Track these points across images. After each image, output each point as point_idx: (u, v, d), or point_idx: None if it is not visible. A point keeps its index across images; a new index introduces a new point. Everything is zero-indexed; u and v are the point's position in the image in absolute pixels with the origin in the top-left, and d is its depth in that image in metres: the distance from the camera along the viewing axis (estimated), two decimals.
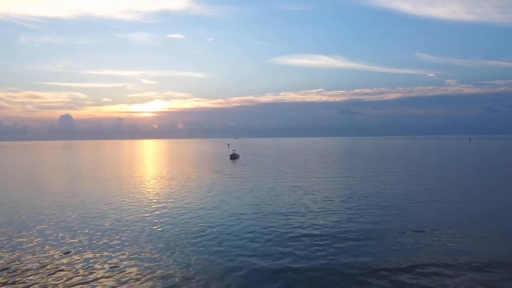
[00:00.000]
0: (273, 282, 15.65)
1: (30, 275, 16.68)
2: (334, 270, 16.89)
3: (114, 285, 15.54)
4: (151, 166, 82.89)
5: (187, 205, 32.94)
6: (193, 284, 15.50)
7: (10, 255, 19.55)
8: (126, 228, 25.13)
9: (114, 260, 18.55)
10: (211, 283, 15.61)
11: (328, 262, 17.91)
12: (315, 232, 23.31)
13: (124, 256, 19.16)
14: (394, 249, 19.67)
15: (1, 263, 18.32)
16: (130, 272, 16.90)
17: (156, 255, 19.27)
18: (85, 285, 15.49)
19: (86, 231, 24.49)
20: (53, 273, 16.86)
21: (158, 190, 42.91)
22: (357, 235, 22.51)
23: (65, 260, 18.63)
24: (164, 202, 34.65)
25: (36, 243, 21.76)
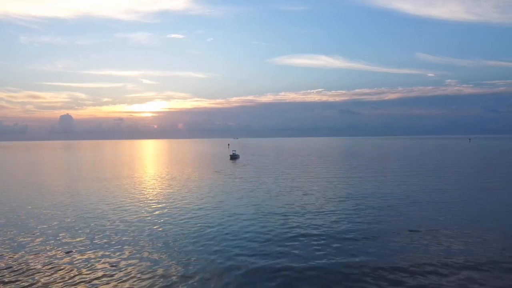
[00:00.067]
0: (272, 282, 15.80)
1: (31, 274, 16.84)
2: (332, 269, 17.04)
3: (115, 284, 15.70)
4: (151, 166, 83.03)
5: (187, 205, 33.09)
6: (193, 284, 15.66)
7: (13, 255, 19.71)
8: (126, 228, 25.29)
9: (115, 260, 18.71)
10: (211, 283, 15.77)
11: (326, 261, 18.06)
12: (314, 232, 23.46)
13: (125, 256, 19.32)
14: (392, 249, 19.83)
15: (4, 263, 18.49)
16: (131, 272, 17.05)
17: (156, 255, 19.42)
18: (86, 284, 15.66)
19: (87, 231, 24.65)
20: (54, 273, 17.03)
21: (158, 191, 43.06)
22: (356, 235, 22.66)
23: (66, 260, 18.79)
24: (164, 202, 34.80)
25: (37, 243, 21.92)
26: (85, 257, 19.22)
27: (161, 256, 19.27)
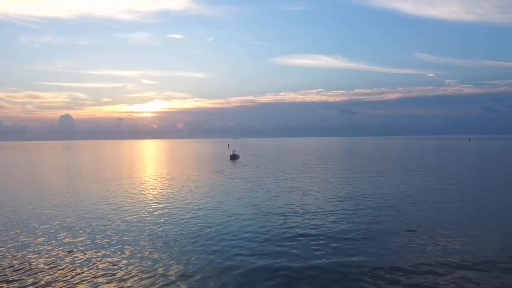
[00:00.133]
0: (271, 281, 15.96)
1: (33, 274, 17.00)
2: (330, 269, 17.19)
3: (116, 283, 15.85)
4: (151, 166, 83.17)
5: (187, 206, 33.24)
6: (193, 283, 15.81)
7: (14, 254, 19.87)
8: (127, 228, 25.43)
9: (115, 259, 18.86)
10: (210, 282, 15.91)
11: (325, 261, 18.21)
12: (313, 232, 23.61)
13: (125, 255, 19.47)
14: (391, 249, 19.97)
15: (5, 262, 18.64)
16: (131, 271, 17.20)
17: (156, 255, 19.58)
18: (87, 284, 15.81)
19: (88, 231, 24.80)
20: (55, 272, 17.19)
21: (158, 191, 43.20)
22: (355, 235, 22.81)
23: (67, 259, 18.94)
24: (164, 203, 34.95)
25: (38, 243, 22.07)
26: (86, 256, 19.37)
27: (161, 255, 19.42)
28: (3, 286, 15.79)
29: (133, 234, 23.84)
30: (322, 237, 22.31)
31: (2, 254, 20.05)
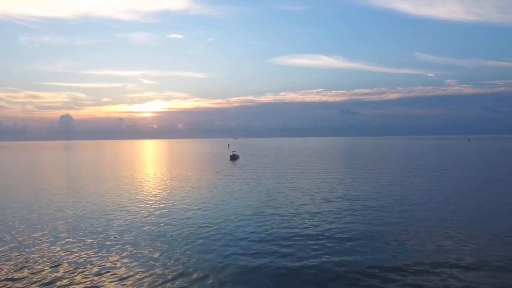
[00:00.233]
0: (270, 280, 16.01)
1: (34, 273, 17.05)
2: (328, 268, 17.25)
3: (116, 282, 15.90)
4: (151, 166, 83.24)
5: (187, 206, 33.29)
6: (192, 283, 15.86)
7: (15, 254, 19.92)
8: (127, 228, 25.48)
9: (115, 259, 18.91)
10: (210, 281, 15.96)
11: (323, 261, 18.25)
12: (311, 232, 23.66)
13: (125, 255, 19.52)
14: (390, 249, 20.03)
15: (6, 261, 18.68)
16: (131, 271, 17.25)
17: (156, 254, 19.62)
18: (87, 283, 15.86)
19: (89, 231, 24.85)
20: (56, 272, 17.24)
21: (158, 191, 43.25)
22: (353, 235, 22.85)
23: (67, 259, 18.98)
24: (164, 203, 35.00)
25: (39, 242, 22.11)
26: (86, 256, 19.42)
27: (162, 255, 19.47)
28: (5, 285, 15.83)
29: (133, 234, 23.88)
30: (320, 237, 22.35)
31: (2, 254, 20.09)
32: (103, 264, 18.26)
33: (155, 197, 38.62)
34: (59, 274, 16.92)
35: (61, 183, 51.93)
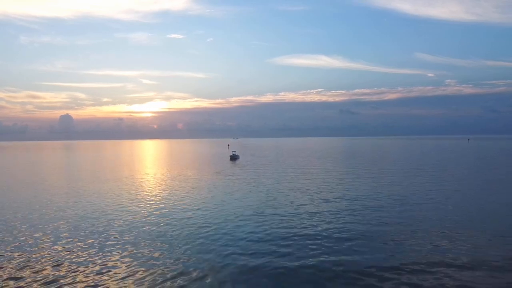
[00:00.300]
0: (269, 279, 16.21)
1: (35, 272, 17.25)
2: (327, 268, 17.44)
3: (116, 282, 16.09)
4: (151, 167, 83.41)
5: (187, 206, 33.48)
6: (192, 282, 16.05)
7: (17, 254, 20.11)
8: (127, 227, 25.67)
9: (116, 258, 19.10)
10: (209, 281, 16.16)
11: (321, 260, 18.45)
12: (310, 232, 23.85)
13: (125, 255, 19.72)
14: (388, 249, 20.22)
15: (7, 261, 18.88)
16: (131, 270, 17.45)
17: (156, 254, 19.82)
18: (87, 282, 16.05)
19: (89, 231, 25.04)
20: (57, 271, 17.43)
21: (158, 191, 43.44)
22: (352, 235, 23.04)
23: (67, 259, 19.17)
24: (164, 203, 35.18)
25: (39, 242, 22.31)
26: (87, 256, 19.61)
27: (162, 255, 19.66)
28: (7, 284, 16.03)
29: (133, 233, 24.08)
30: (319, 237, 22.54)
31: (5, 253, 20.29)
32: (104, 263, 18.45)
33: (155, 197, 38.81)
34: (60, 274, 17.12)
35: (61, 183, 52.11)
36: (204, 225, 26.13)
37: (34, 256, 19.77)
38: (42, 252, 20.45)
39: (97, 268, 17.84)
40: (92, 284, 15.94)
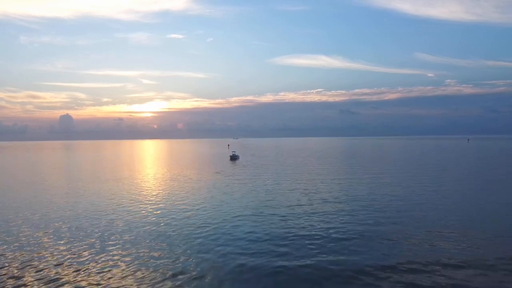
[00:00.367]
0: (268, 278, 16.36)
1: (36, 272, 17.39)
2: (325, 267, 17.60)
3: (116, 281, 16.23)
4: (151, 167, 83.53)
5: (187, 206, 33.60)
6: (192, 281, 16.19)
7: (17, 254, 20.26)
8: (127, 227, 25.81)
9: (116, 258, 19.25)
10: (209, 280, 16.30)
11: (320, 260, 18.59)
12: (309, 232, 23.98)
13: (125, 254, 19.87)
14: (388, 249, 20.37)
15: (8, 261, 19.02)
16: (131, 269, 17.60)
17: (156, 254, 19.96)
18: (87, 281, 16.19)
19: (89, 230, 25.17)
20: (57, 271, 17.58)
21: (158, 191, 43.55)
22: (350, 235, 23.17)
23: (67, 258, 19.32)
24: (164, 203, 35.30)
25: (39, 242, 22.45)
26: (86, 255, 19.76)
27: (161, 254, 19.80)
28: (9, 283, 16.14)
29: (133, 233, 24.20)
30: (317, 237, 22.67)
31: (7, 253, 20.41)
32: (104, 263, 18.58)
33: (155, 197, 38.92)
34: (61, 273, 17.26)
35: (62, 183, 52.23)
36: (203, 225, 26.24)
37: (34, 255, 19.89)
38: (43, 252, 20.57)
39: (97, 267, 17.96)
40: (92, 283, 16.07)
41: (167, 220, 27.97)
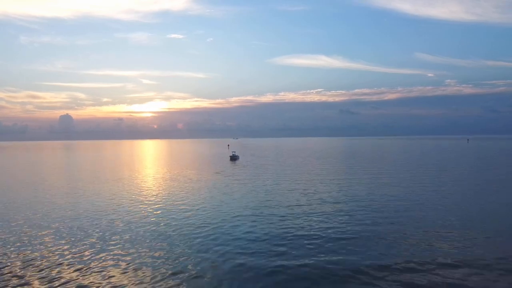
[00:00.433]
0: (267, 277, 16.52)
1: (39, 270, 17.55)
2: (323, 267, 17.76)
3: (116, 280, 16.39)
4: (151, 167, 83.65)
5: (187, 206, 33.73)
6: (191, 281, 16.35)
7: (18, 253, 20.42)
8: (127, 227, 25.96)
9: (115, 258, 19.41)
10: (209, 280, 16.46)
11: (318, 259, 18.75)
12: (308, 232, 24.14)
13: (125, 254, 20.03)
14: (384, 248, 20.52)
15: (9, 260, 19.17)
16: (132, 269, 17.77)
17: (156, 253, 20.13)
18: (87, 281, 16.35)
19: (89, 230, 25.32)
20: (59, 269, 17.74)
21: (159, 191, 43.68)
22: (349, 235, 23.32)
23: (67, 258, 19.49)
24: (164, 203, 35.43)
25: (39, 242, 22.61)
26: (87, 255, 19.93)
27: (161, 254, 19.96)
28: (11, 282, 16.29)
29: (134, 233, 24.35)
30: (316, 237, 22.82)
31: (7, 252, 20.57)
32: (105, 262, 18.74)
33: (155, 197, 39.06)
34: (62, 273, 17.42)
35: (62, 184, 52.35)
36: (203, 224, 26.39)
37: (36, 255, 20.04)
38: (44, 251, 20.72)
39: (98, 267, 18.12)
40: (93, 282, 16.23)
41: (167, 220, 28.11)
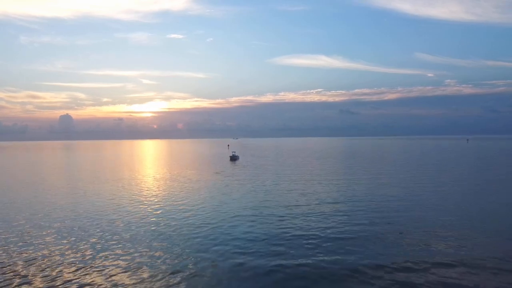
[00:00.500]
0: (266, 277, 16.66)
1: (40, 270, 17.68)
2: (321, 266, 17.90)
3: (117, 279, 16.50)
4: (151, 167, 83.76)
5: (187, 206, 33.86)
6: (191, 280, 16.47)
7: (19, 253, 20.56)
8: (127, 227, 26.09)
9: (115, 257, 19.54)
10: (208, 279, 16.59)
11: (317, 259, 18.88)
12: (307, 232, 24.26)
13: (126, 252, 20.17)
14: (382, 248, 20.66)
15: (10, 260, 19.31)
16: (132, 268, 17.90)
17: (156, 253, 20.26)
18: (87, 280, 16.46)
19: (89, 230, 25.47)
20: (60, 269, 17.87)
21: (159, 192, 43.80)
22: (348, 235, 23.46)
23: (68, 258, 19.62)
24: (165, 203, 35.55)
25: (39, 242, 22.75)
26: (88, 255, 20.06)
27: (161, 254, 20.09)
28: (12, 281, 16.41)
29: (134, 233, 24.47)
30: (315, 237, 22.95)
31: (9, 252, 20.71)
32: (105, 261, 18.87)
33: (155, 197, 39.17)
34: (64, 271, 17.56)
35: (62, 184, 52.47)
36: (202, 224, 26.51)
37: (37, 254, 20.18)
38: (44, 251, 20.85)
39: (98, 266, 18.25)
40: (94, 281, 16.35)
41: (166, 220, 28.23)
